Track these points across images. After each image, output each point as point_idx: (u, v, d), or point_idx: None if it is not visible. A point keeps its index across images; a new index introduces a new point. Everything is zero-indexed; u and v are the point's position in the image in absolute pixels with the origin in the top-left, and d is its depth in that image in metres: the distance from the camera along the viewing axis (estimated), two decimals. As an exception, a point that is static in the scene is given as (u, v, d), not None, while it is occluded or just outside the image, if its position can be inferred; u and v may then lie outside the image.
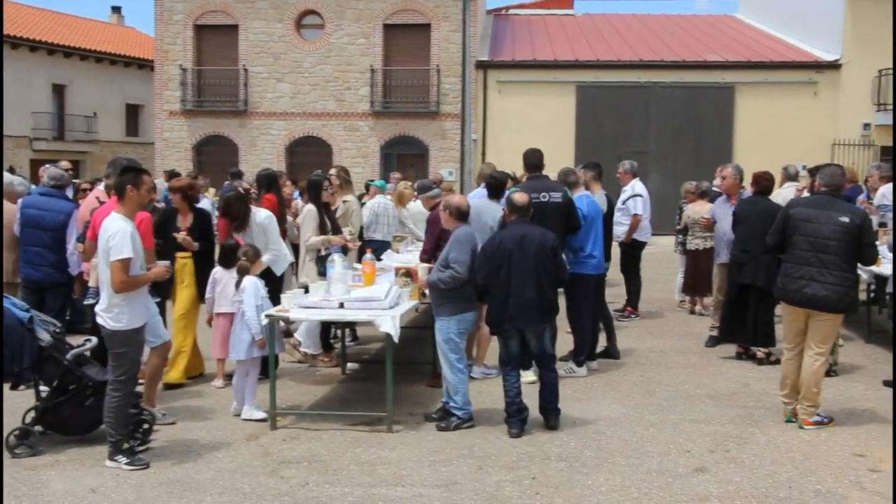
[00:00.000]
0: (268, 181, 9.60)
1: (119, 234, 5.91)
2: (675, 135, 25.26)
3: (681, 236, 12.40)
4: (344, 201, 9.97)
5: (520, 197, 7.05)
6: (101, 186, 8.13)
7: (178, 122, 26.24)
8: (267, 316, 7.05)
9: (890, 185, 11.99)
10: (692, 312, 12.17)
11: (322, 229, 9.09)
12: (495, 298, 6.83)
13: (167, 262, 6.64)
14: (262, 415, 7.11)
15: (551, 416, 6.95)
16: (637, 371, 8.89)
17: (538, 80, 25.56)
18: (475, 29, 25.86)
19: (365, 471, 5.98)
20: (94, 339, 6.62)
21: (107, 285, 6.05)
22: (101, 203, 7.71)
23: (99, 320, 6.11)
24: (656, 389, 8.15)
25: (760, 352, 9.12)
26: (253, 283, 7.34)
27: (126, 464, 6.04)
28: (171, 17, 26.01)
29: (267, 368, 7.16)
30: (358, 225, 10.18)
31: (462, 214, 7.10)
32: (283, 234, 9.77)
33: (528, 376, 8.34)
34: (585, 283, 8.76)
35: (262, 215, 8.54)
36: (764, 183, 9.27)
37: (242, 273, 7.47)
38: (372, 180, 13.23)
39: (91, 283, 7.56)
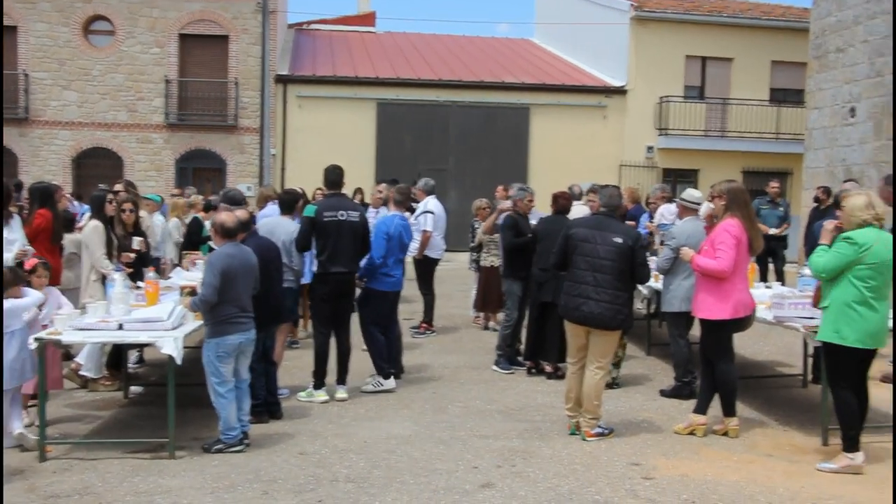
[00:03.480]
0: (41, 195, 9.00)
1: None
2: (473, 153, 25.83)
3: (475, 253, 12.61)
4: (139, 217, 9.58)
5: (228, 218, 7.02)
6: None
7: (-52, 130, 24.32)
8: (36, 339, 6.58)
9: (668, 205, 12.74)
10: (486, 328, 12.41)
11: (109, 246, 8.66)
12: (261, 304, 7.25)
13: None
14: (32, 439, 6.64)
15: (274, 409, 7.76)
16: (430, 388, 8.94)
17: (339, 95, 25.49)
18: (275, 43, 25.48)
19: (142, 501, 5.66)
20: None
21: None
22: None
23: None
24: (448, 406, 8.22)
25: (548, 367, 9.39)
26: (9, 305, 6.78)
27: None
28: (-61, 15, 24.12)
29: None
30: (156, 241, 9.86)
31: (228, 232, 6.89)
32: (60, 251, 9.22)
33: (321, 396, 8.27)
34: (382, 299, 8.79)
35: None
36: (562, 202, 9.58)
37: None
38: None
39: None
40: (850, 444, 6.31)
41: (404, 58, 28.79)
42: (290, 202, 8.87)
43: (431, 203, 11.99)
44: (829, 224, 6.54)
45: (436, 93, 25.96)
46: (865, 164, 19.11)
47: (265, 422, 7.50)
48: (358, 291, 8.82)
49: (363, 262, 8.63)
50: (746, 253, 7.12)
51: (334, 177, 8.64)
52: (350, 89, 25.58)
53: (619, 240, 6.96)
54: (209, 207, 12.30)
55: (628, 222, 10.68)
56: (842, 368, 6.32)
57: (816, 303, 6.60)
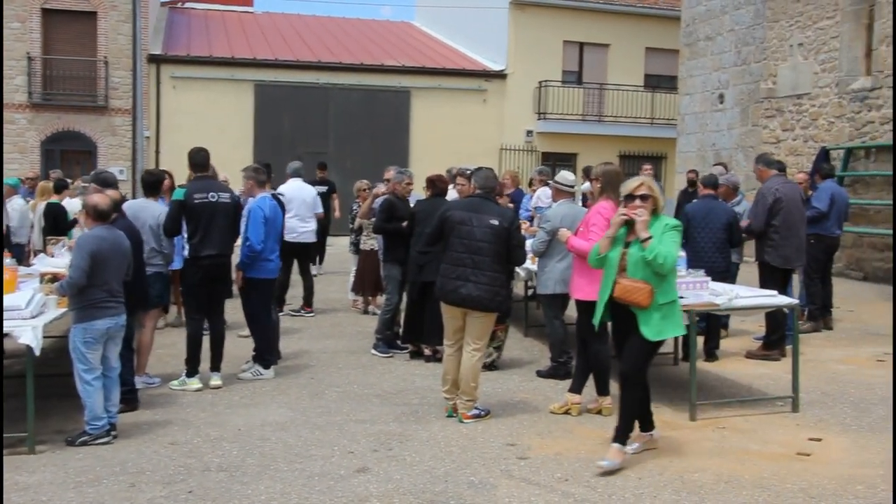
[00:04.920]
0: None
1: None
2: (354, 136, 25.63)
3: (354, 236, 12.50)
4: None
5: (102, 200, 6.77)
6: None
7: None
8: None
9: (545, 188, 12.88)
10: (365, 312, 12.31)
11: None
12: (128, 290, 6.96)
13: None
14: None
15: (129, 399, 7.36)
16: (307, 373, 8.81)
17: (215, 76, 24.88)
18: (147, 20, 24.65)
19: (-3, 500, 5.38)
20: None
21: None
22: None
23: None
24: (325, 391, 8.11)
25: (427, 350, 9.38)
26: None
27: None
28: None
29: None
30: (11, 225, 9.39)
31: (101, 214, 6.62)
32: None
33: (195, 383, 8.05)
34: (263, 287, 8.61)
35: None
36: (440, 185, 9.56)
37: None
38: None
39: None
40: (650, 423, 6.44)
41: (283, 39, 28.30)
42: (154, 183, 8.56)
43: (286, 186, 11.87)
44: (642, 218, 5.89)
45: (315, 75, 25.63)
46: (733, 148, 19.84)
47: (135, 409, 7.26)
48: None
49: (243, 252, 8.40)
50: (620, 235, 7.22)
51: (200, 159, 8.43)
52: (227, 70, 25.00)
53: (495, 222, 6.96)
54: (60, 187, 11.67)
55: (510, 205, 10.82)
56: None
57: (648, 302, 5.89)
